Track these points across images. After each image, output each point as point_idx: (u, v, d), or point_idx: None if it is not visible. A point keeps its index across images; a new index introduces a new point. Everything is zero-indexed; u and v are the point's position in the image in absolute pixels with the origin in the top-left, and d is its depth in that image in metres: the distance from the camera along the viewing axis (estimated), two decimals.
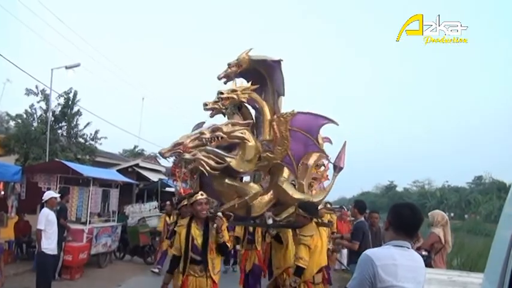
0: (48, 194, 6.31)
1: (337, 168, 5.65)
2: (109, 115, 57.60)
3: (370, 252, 2.14)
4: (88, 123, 13.79)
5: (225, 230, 4.02)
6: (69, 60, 27.06)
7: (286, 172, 4.95)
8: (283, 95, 4.89)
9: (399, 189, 64.66)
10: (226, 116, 4.73)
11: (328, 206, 8.81)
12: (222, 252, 4.05)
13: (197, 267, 3.88)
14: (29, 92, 12.53)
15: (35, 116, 12.93)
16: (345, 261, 8.69)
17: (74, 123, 13.57)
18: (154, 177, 15.31)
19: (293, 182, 5.12)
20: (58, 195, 6.67)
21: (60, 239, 7.22)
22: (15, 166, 9.08)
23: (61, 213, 7.73)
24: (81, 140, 13.76)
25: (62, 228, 7.46)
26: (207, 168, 4.13)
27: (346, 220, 10.11)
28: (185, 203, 4.78)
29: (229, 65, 4.67)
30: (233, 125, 4.41)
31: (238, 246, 7.23)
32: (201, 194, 4.05)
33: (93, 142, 13.91)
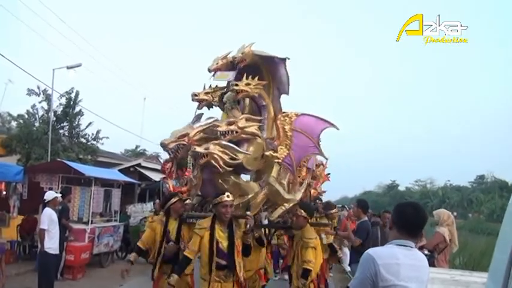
0: (51, 194, 6.31)
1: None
2: (110, 115, 57.74)
3: (372, 251, 2.12)
4: (90, 123, 13.82)
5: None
6: (71, 60, 27.26)
7: (275, 171, 4.59)
8: (288, 93, 4.77)
9: (401, 188, 64.80)
10: (225, 111, 4.60)
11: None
12: (245, 254, 3.85)
13: (221, 273, 3.63)
14: (30, 92, 12.56)
15: (36, 116, 12.95)
16: (347, 260, 8.66)
17: (76, 123, 13.57)
18: (156, 177, 15.26)
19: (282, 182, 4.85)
20: (59, 195, 6.67)
21: (62, 239, 7.23)
22: (17, 166, 9.12)
23: (63, 213, 7.72)
24: (83, 140, 13.76)
25: (63, 228, 7.47)
26: (221, 163, 3.78)
27: (354, 220, 10.06)
28: (174, 201, 4.44)
29: (234, 58, 4.49)
30: (247, 120, 4.17)
31: None
32: (228, 196, 3.72)
33: (95, 142, 13.92)
